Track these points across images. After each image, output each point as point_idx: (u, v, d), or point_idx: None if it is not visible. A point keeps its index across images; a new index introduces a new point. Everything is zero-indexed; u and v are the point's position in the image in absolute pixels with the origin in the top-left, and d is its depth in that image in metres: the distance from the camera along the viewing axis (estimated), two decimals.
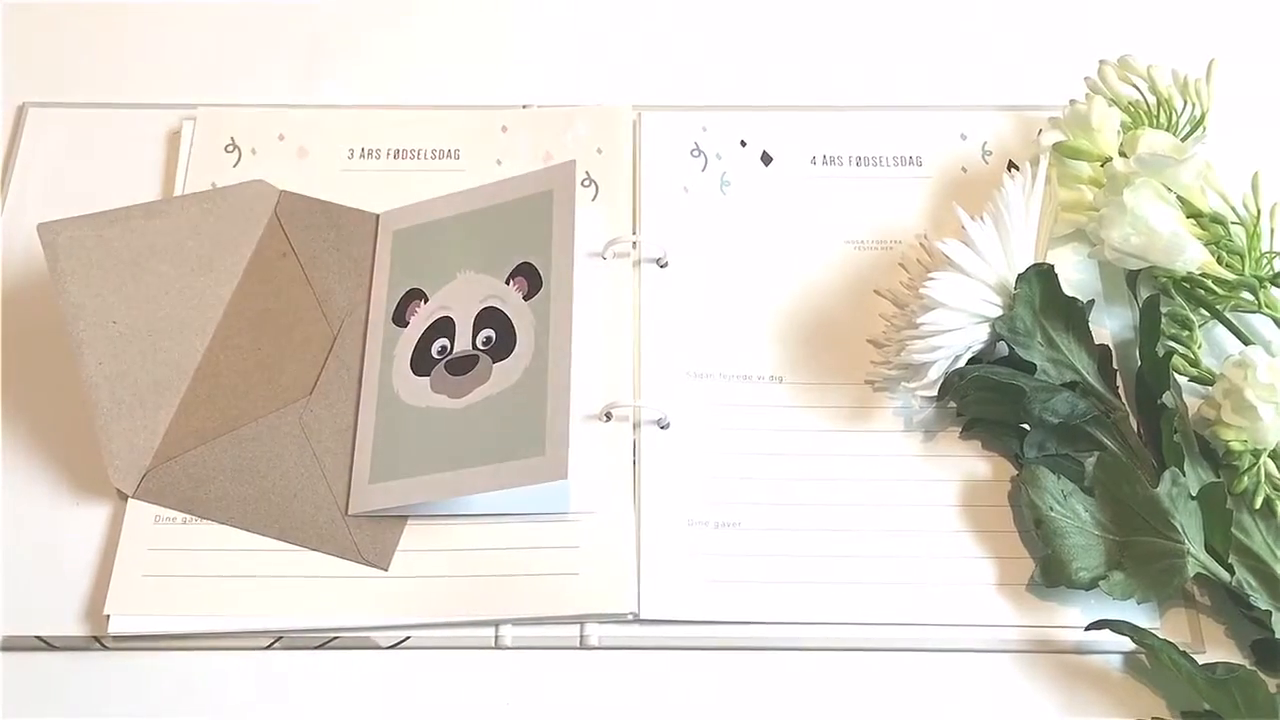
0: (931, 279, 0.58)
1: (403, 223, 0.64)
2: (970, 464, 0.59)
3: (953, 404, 0.59)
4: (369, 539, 0.57)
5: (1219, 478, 0.55)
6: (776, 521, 0.57)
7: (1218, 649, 0.55)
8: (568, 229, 0.60)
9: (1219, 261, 0.60)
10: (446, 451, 0.57)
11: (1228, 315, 0.60)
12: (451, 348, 0.60)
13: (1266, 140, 0.66)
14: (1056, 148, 0.63)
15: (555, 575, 0.55)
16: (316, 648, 0.55)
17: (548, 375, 0.58)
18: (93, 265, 0.58)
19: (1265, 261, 0.60)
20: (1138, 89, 0.64)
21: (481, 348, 0.59)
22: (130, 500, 0.57)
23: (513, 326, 0.59)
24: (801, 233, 0.64)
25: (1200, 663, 0.52)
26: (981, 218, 0.59)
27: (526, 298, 0.60)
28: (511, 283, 0.61)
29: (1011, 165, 0.66)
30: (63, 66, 0.70)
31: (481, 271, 0.61)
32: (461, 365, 0.59)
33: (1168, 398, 0.56)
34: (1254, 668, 0.53)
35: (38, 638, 0.55)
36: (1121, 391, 0.59)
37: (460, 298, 0.61)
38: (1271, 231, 0.61)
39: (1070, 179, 0.63)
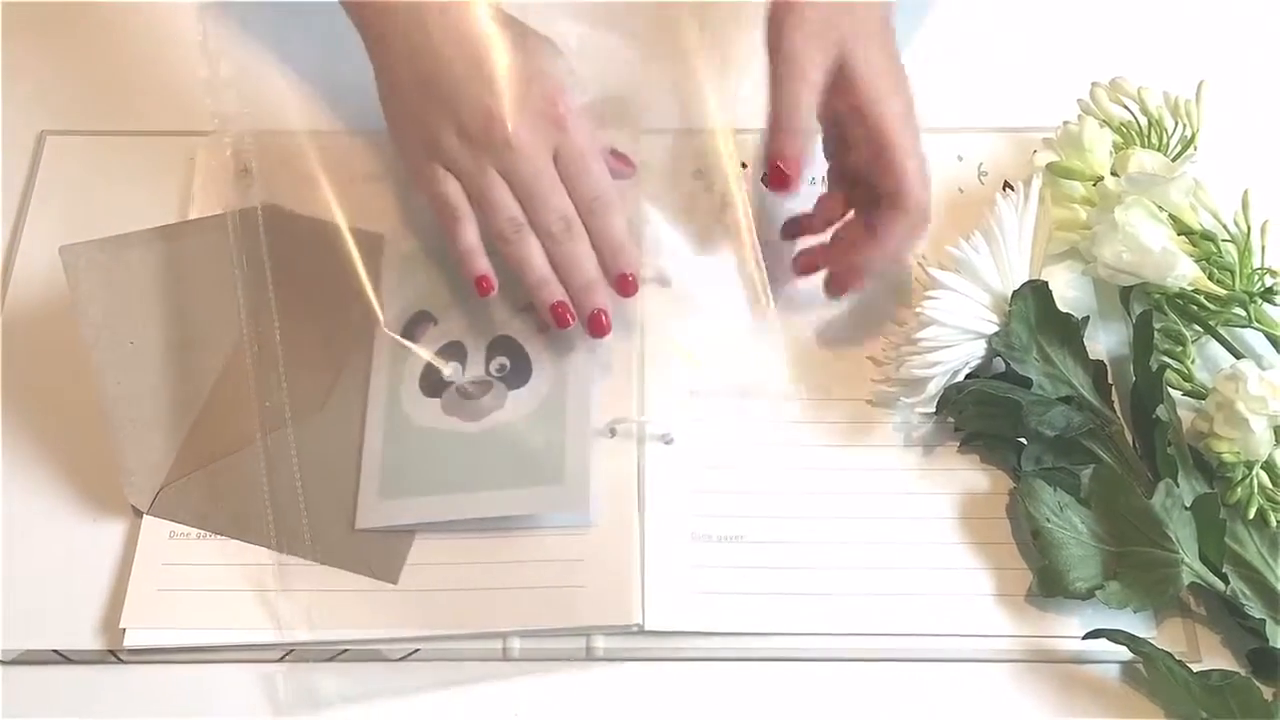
0: (929, 296, 0.59)
1: (410, 245, 0.65)
2: (968, 477, 0.60)
3: (951, 419, 0.60)
4: (378, 554, 0.58)
5: (1213, 489, 0.56)
6: (779, 535, 0.58)
7: (1214, 657, 0.55)
8: None
9: (1210, 278, 0.61)
10: (461, 473, 0.58)
11: (1220, 330, 0.61)
12: (464, 372, 0.61)
13: (1256, 159, 0.67)
14: (1050, 168, 0.64)
15: (561, 588, 0.57)
16: (327, 660, 0.56)
17: (566, 405, 0.60)
18: (112, 286, 0.60)
19: (1256, 277, 0.61)
20: (1129, 110, 0.66)
21: (495, 374, 0.61)
22: (145, 516, 0.58)
23: (528, 356, 0.61)
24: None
25: (1196, 671, 0.53)
26: (974, 236, 0.60)
27: (542, 329, 0.62)
28: (526, 313, 0.62)
29: (1007, 185, 0.67)
30: (80, 95, 0.71)
31: (493, 300, 0.63)
32: (474, 390, 0.60)
33: (1162, 411, 0.57)
34: (1249, 676, 0.53)
35: (55, 651, 0.56)
36: (1116, 406, 0.60)
37: (471, 324, 0.63)
38: (1262, 248, 0.62)
39: (1064, 198, 0.64)
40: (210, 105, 0.64)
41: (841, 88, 0.59)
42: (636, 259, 0.60)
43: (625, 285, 0.60)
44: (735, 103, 0.70)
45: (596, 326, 0.59)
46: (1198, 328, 0.61)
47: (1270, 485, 0.56)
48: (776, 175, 0.59)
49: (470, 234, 0.59)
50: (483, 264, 0.59)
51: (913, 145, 0.59)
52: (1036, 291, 0.59)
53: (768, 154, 0.59)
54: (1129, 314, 0.61)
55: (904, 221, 0.59)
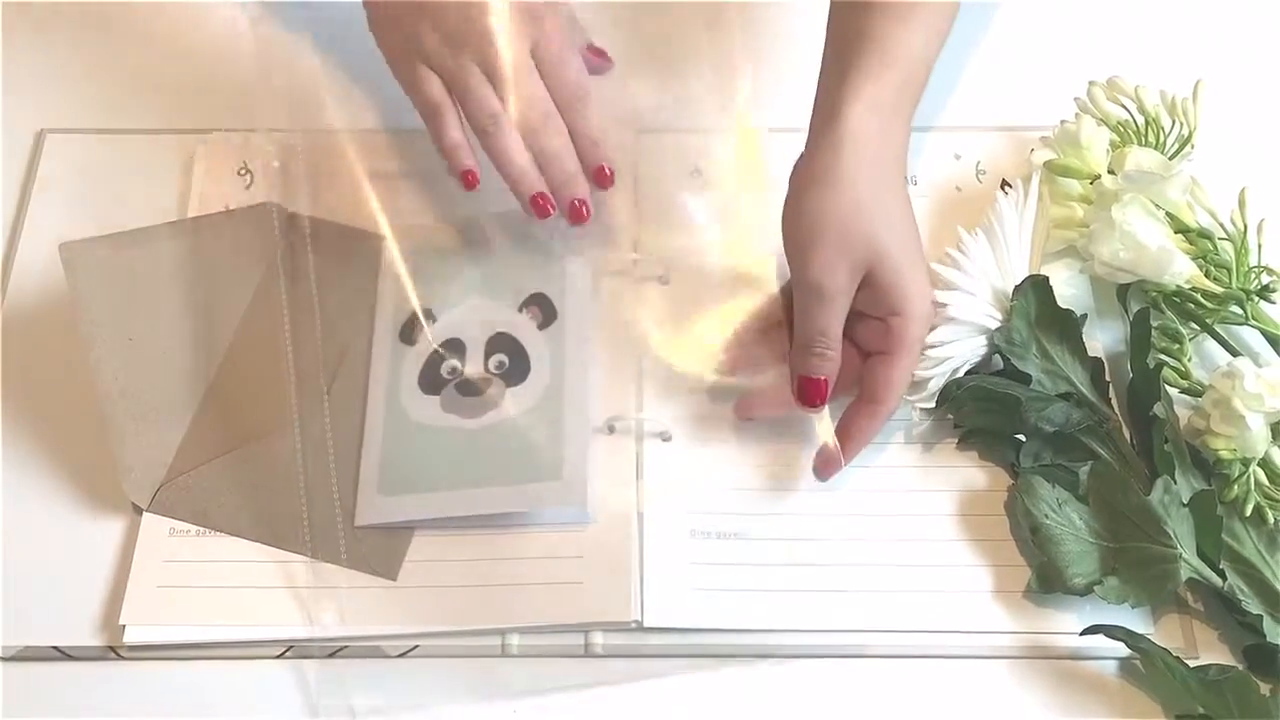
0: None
1: (410, 243, 0.65)
2: (967, 474, 0.60)
3: (950, 415, 0.61)
4: (377, 550, 0.58)
5: (1210, 486, 0.56)
6: (777, 531, 0.58)
7: (1211, 653, 0.55)
8: (583, 267, 0.63)
9: (1207, 275, 0.61)
10: (461, 470, 0.59)
11: (1216, 328, 0.61)
12: (462, 369, 0.61)
13: (1253, 157, 0.67)
14: (1047, 166, 0.64)
15: (560, 584, 0.57)
16: (327, 656, 0.56)
17: (564, 402, 0.60)
18: (111, 283, 0.60)
19: (1252, 275, 0.61)
20: (1126, 109, 0.66)
21: (494, 372, 0.61)
22: (145, 513, 0.58)
23: (526, 353, 0.61)
24: None
25: (1193, 667, 0.53)
26: (976, 233, 0.61)
27: (540, 327, 0.62)
28: (525, 311, 0.62)
29: (1005, 183, 0.67)
30: (80, 94, 0.71)
31: (492, 298, 0.63)
32: (473, 387, 0.61)
33: (1159, 408, 0.57)
34: (1246, 671, 0.53)
35: (54, 648, 0.56)
36: (1114, 403, 0.60)
37: (469, 321, 0.63)
38: (1259, 246, 0.62)
39: (1061, 196, 0.64)
40: (257, 65, 0.65)
41: (869, 292, 0.56)
42: (612, 152, 0.61)
43: (602, 178, 0.60)
44: (735, 103, 0.70)
45: (576, 215, 0.60)
46: (1195, 325, 0.61)
47: (1267, 482, 0.56)
48: (811, 391, 0.57)
49: (454, 129, 0.60)
50: (467, 159, 0.60)
51: (913, 361, 0.57)
52: (1037, 287, 0.59)
53: (794, 369, 0.57)
54: (1126, 312, 0.61)
55: (874, 419, 0.58)
